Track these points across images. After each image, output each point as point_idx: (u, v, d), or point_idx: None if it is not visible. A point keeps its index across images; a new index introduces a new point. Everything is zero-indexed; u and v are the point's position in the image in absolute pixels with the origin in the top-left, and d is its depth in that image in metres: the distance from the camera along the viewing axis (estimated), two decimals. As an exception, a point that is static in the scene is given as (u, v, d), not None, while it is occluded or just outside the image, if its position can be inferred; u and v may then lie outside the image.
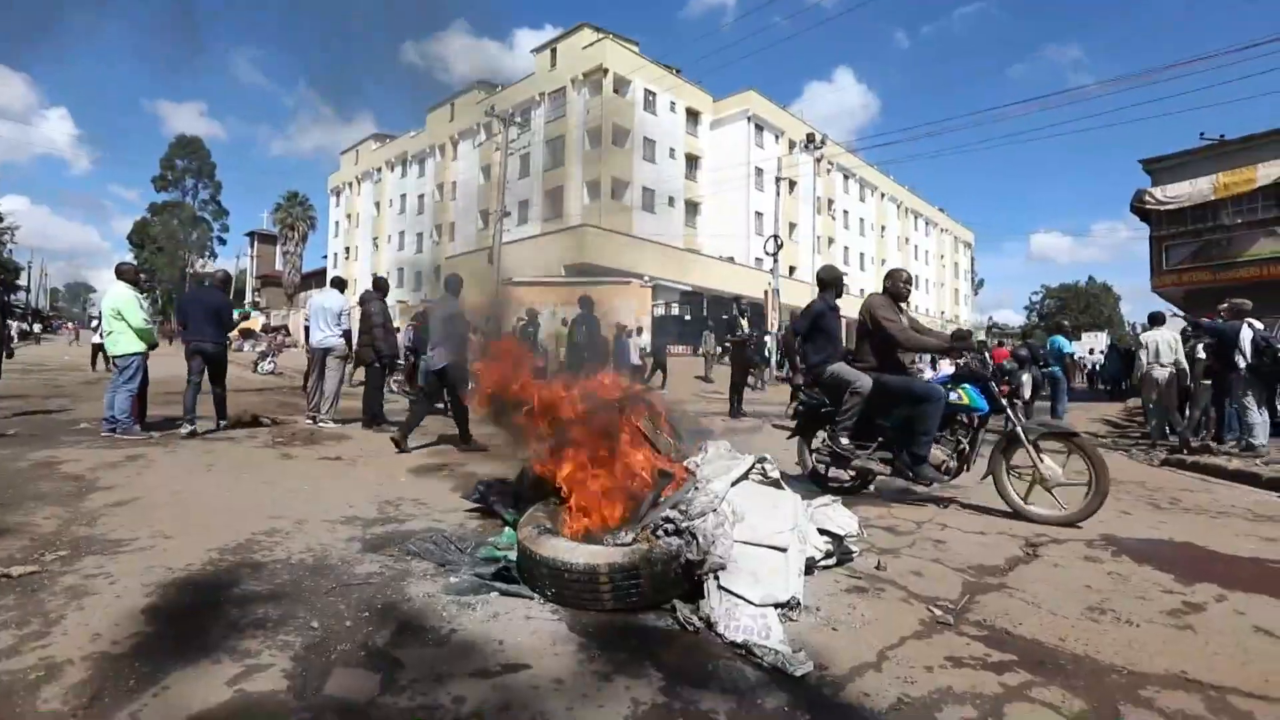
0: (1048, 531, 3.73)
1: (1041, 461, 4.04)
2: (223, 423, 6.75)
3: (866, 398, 4.35)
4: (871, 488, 4.70)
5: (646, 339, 15.49)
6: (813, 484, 4.64)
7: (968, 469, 4.28)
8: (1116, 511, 4.43)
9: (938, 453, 4.27)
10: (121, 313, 6.02)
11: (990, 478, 4.17)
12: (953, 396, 4.27)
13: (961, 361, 4.46)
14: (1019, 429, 4.10)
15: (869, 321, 4.49)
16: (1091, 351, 32.41)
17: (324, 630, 2.10)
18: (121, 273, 6.28)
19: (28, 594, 2.31)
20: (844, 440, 4.42)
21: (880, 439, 4.44)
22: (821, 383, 4.68)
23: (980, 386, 4.29)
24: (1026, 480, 4.11)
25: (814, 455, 4.76)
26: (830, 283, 5.03)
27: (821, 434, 4.73)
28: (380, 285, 8.11)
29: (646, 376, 14.80)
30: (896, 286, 4.62)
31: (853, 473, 4.57)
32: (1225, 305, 7.48)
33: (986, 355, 4.57)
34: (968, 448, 4.29)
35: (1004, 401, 4.22)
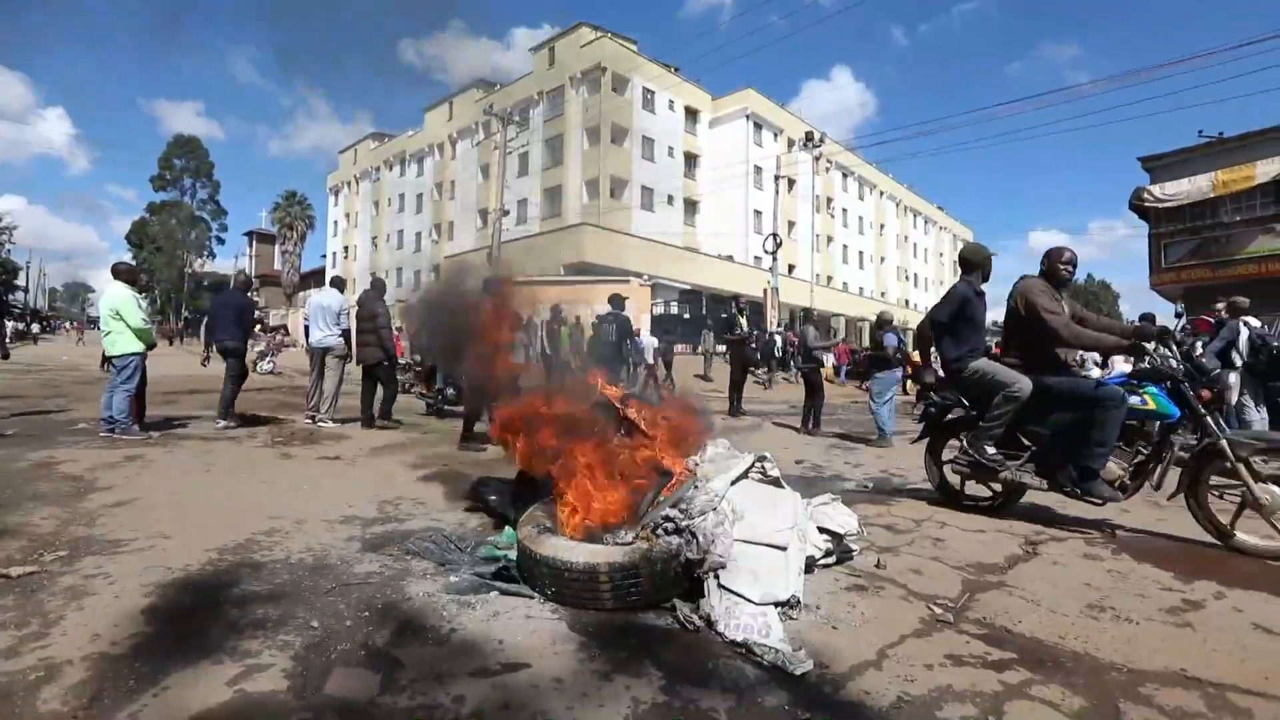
0: (1047, 530, 3.74)
1: (1257, 481, 3.29)
2: (221, 422, 6.75)
3: (1024, 402, 3.76)
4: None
5: (654, 339, 15.55)
6: (943, 498, 4.21)
7: (1155, 487, 3.57)
8: (1115, 509, 4.43)
9: (1113, 466, 3.63)
10: (120, 313, 6.01)
11: (1182, 496, 3.51)
12: (1134, 400, 3.57)
13: (1145, 363, 3.70)
14: (1224, 442, 3.37)
15: (1022, 311, 3.85)
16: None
17: (324, 630, 2.10)
18: (118, 272, 6.26)
19: (27, 594, 2.31)
20: (990, 449, 3.86)
21: (1033, 448, 3.85)
22: (962, 381, 4.07)
23: (1169, 389, 3.60)
24: (1233, 502, 3.41)
25: (949, 466, 4.13)
26: (976, 264, 4.34)
27: (945, 440, 4.24)
28: (378, 286, 8.11)
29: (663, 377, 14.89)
30: (1055, 268, 3.93)
31: (997, 487, 4.03)
32: (1223, 304, 7.48)
33: (1177, 349, 3.71)
34: (1152, 461, 3.60)
35: (1200, 408, 3.51)
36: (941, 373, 4.32)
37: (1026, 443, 3.88)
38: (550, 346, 9.39)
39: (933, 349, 4.41)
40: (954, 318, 4.17)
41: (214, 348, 7.13)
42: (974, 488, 4.19)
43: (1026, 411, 3.81)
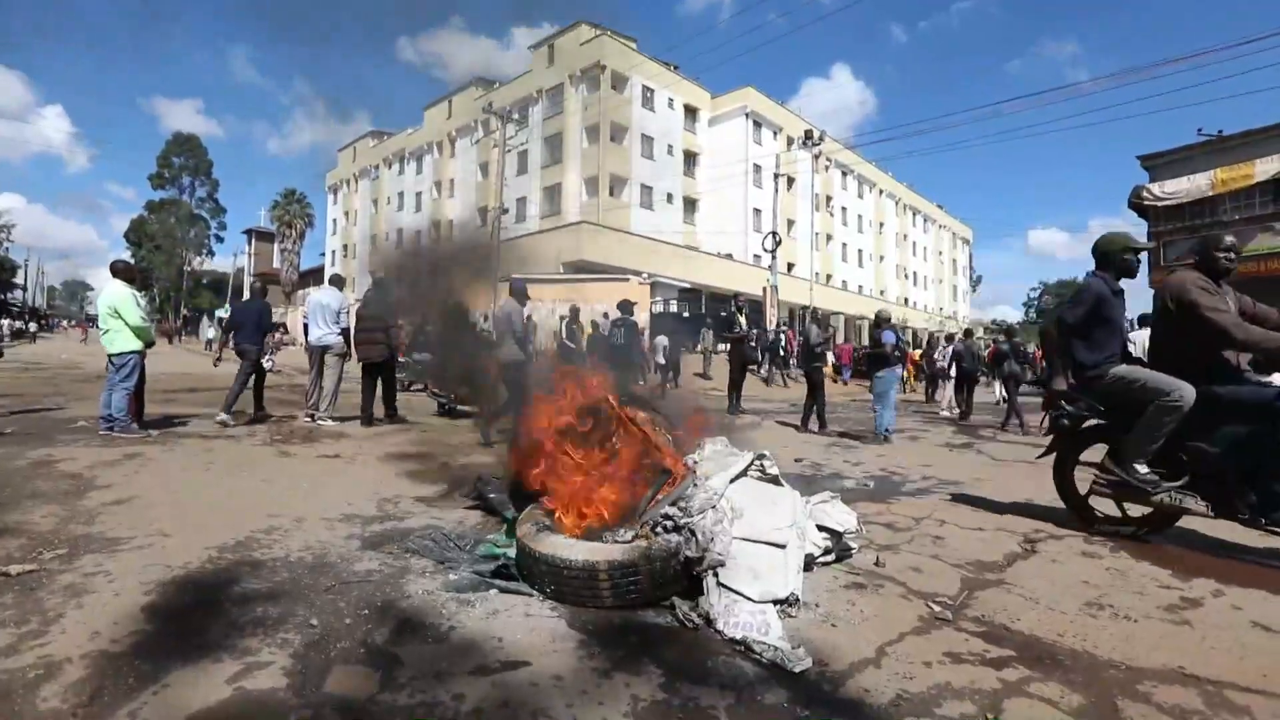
0: (1045, 528, 3.74)
1: None
2: (222, 415, 6.85)
3: (1185, 414, 3.23)
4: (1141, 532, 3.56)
5: (663, 339, 15.58)
6: (1078, 519, 3.77)
7: None
8: (1114, 508, 4.44)
9: None
10: (119, 311, 6.00)
11: None
12: None
13: None
14: None
15: (1175, 309, 3.35)
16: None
17: (323, 628, 2.10)
18: (117, 270, 6.25)
19: (26, 592, 2.31)
20: (1142, 468, 3.37)
21: (1192, 468, 3.33)
22: (1102, 390, 3.59)
23: None
24: None
25: (1094, 485, 3.62)
26: (1113, 256, 3.70)
27: (1077, 455, 3.83)
28: (384, 285, 8.10)
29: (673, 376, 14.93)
30: (1213, 258, 3.41)
31: (1149, 509, 3.50)
32: None
33: None
34: None
35: None
36: (1072, 380, 3.81)
37: (1186, 460, 3.35)
38: (572, 342, 9.47)
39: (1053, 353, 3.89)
40: (1087, 319, 3.62)
41: (233, 349, 7.49)
42: (1101, 502, 3.68)
43: (1187, 425, 3.28)
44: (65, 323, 43.59)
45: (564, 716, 1.65)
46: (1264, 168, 16.61)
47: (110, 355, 6.07)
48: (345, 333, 7.46)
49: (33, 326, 32.78)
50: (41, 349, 24.86)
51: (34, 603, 2.23)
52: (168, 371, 12.05)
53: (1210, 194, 17.61)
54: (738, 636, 2.09)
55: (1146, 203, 18.81)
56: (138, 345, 6.12)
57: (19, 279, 53.52)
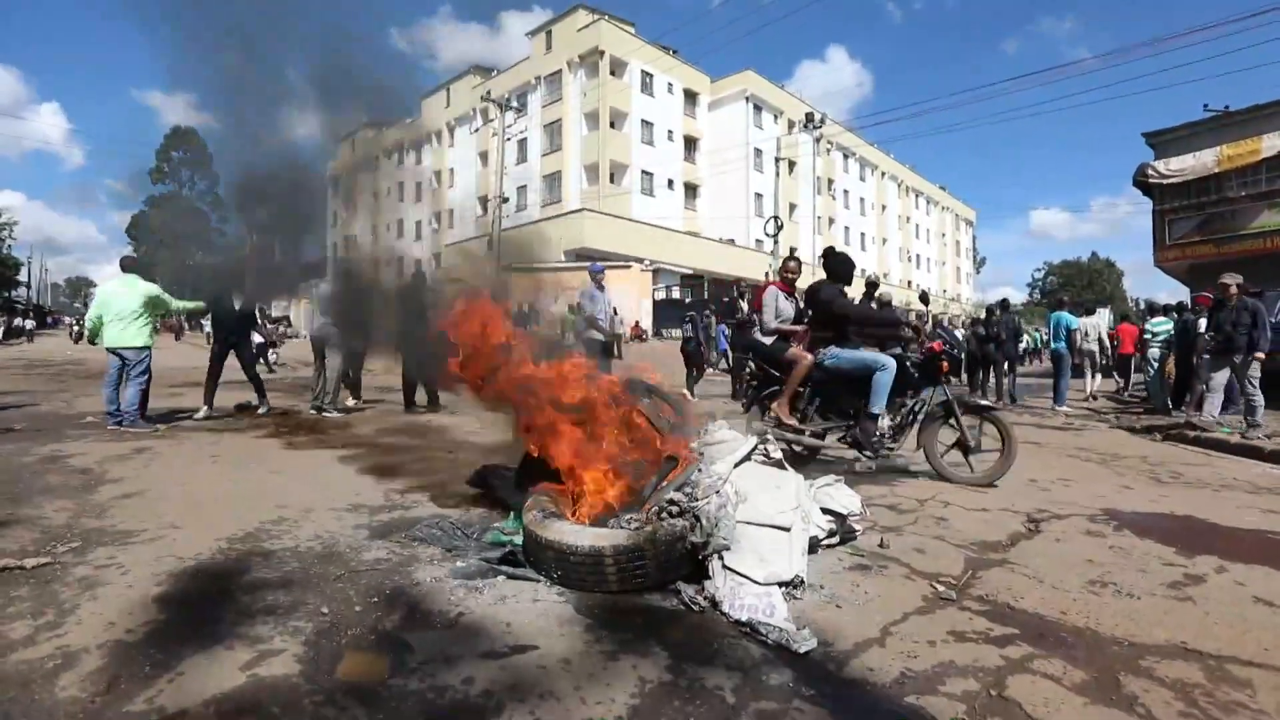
0: (1049, 507, 3.76)
1: None
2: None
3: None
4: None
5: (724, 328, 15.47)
6: None
7: None
8: (1118, 486, 4.45)
9: None
10: (160, 299, 6.30)
11: None
12: None
13: None
14: None
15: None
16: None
17: (334, 615, 2.13)
18: (130, 264, 6.41)
19: (42, 585, 2.35)
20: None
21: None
22: None
23: None
24: None
25: None
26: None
27: None
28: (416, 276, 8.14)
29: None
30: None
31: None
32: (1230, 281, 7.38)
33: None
34: None
35: None
36: None
37: None
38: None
39: None
40: None
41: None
42: None
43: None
44: (68, 319, 43.36)
45: (572, 698, 1.68)
46: (1271, 143, 16.38)
47: (124, 349, 6.10)
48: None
49: (29, 324, 30.94)
50: (41, 347, 24.93)
51: (50, 595, 2.26)
52: (172, 366, 12.11)
53: (1216, 171, 17.38)
54: (743, 619, 2.11)
55: (1151, 180, 18.60)
56: (151, 341, 6.25)
57: (22, 276, 53.65)
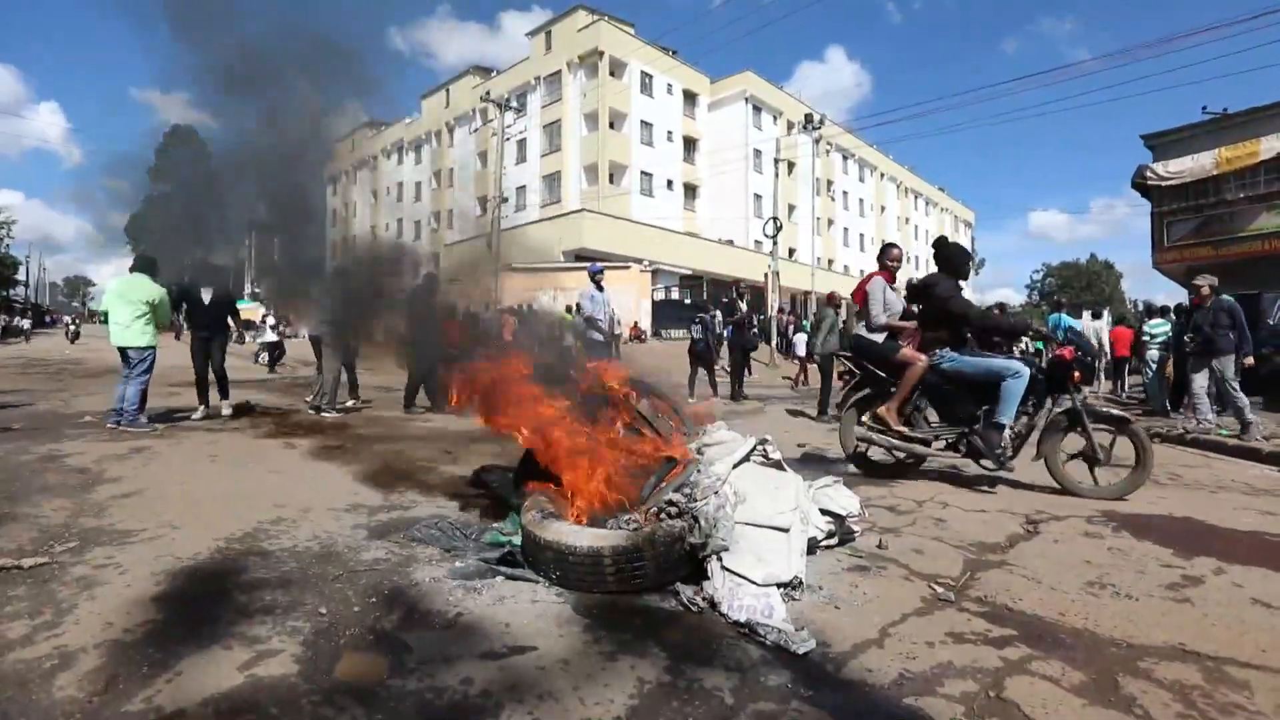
0: (1048, 509, 3.76)
1: None
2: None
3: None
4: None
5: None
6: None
7: None
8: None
9: None
10: (162, 305, 6.36)
11: None
12: None
13: None
14: None
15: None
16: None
17: (332, 615, 2.13)
18: (141, 263, 6.45)
19: (39, 584, 2.34)
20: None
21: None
22: None
23: None
24: None
25: None
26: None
27: None
28: (430, 279, 8.13)
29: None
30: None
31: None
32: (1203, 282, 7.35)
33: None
34: None
35: None
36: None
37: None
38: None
39: None
40: None
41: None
42: None
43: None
44: (67, 318, 43.23)
45: (571, 698, 1.68)
46: (1269, 145, 16.42)
47: (128, 348, 6.10)
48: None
49: (27, 324, 30.47)
50: (41, 346, 24.87)
51: (47, 594, 2.26)
52: (171, 365, 12.10)
53: (1214, 173, 17.42)
54: (742, 619, 2.11)
55: (1150, 182, 18.65)
56: (156, 340, 6.24)
57: (21, 275, 53.53)
